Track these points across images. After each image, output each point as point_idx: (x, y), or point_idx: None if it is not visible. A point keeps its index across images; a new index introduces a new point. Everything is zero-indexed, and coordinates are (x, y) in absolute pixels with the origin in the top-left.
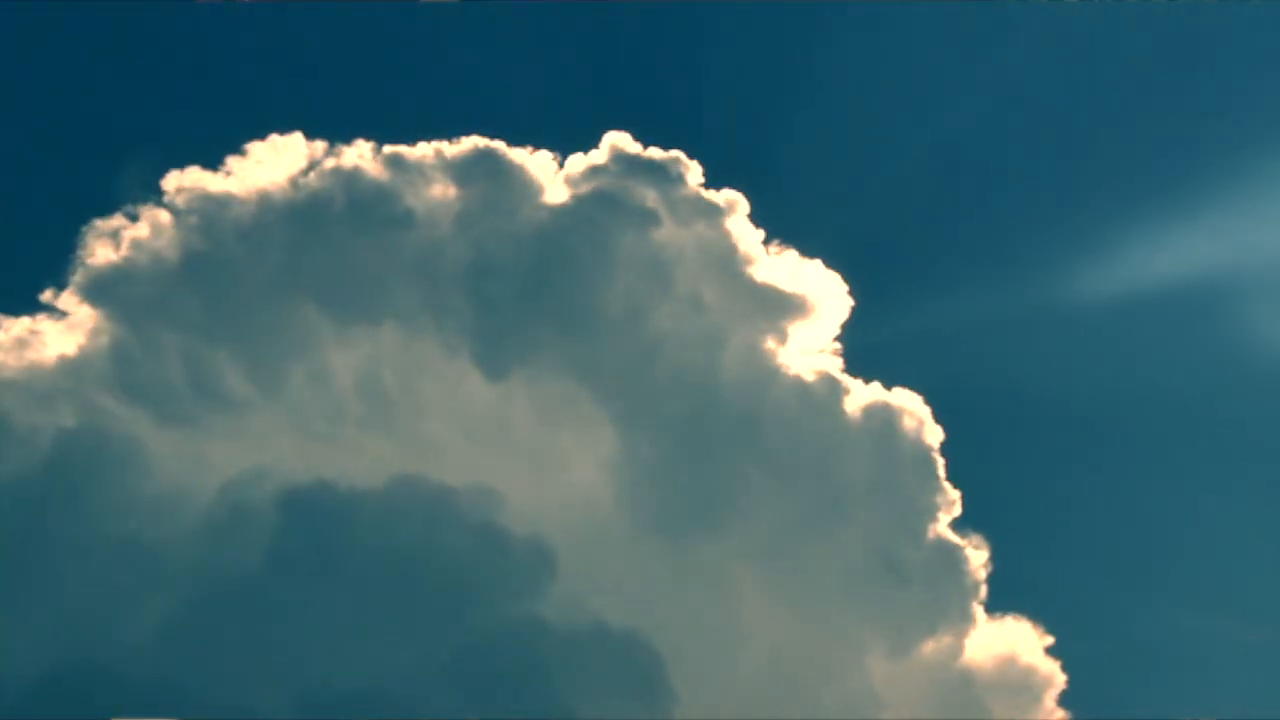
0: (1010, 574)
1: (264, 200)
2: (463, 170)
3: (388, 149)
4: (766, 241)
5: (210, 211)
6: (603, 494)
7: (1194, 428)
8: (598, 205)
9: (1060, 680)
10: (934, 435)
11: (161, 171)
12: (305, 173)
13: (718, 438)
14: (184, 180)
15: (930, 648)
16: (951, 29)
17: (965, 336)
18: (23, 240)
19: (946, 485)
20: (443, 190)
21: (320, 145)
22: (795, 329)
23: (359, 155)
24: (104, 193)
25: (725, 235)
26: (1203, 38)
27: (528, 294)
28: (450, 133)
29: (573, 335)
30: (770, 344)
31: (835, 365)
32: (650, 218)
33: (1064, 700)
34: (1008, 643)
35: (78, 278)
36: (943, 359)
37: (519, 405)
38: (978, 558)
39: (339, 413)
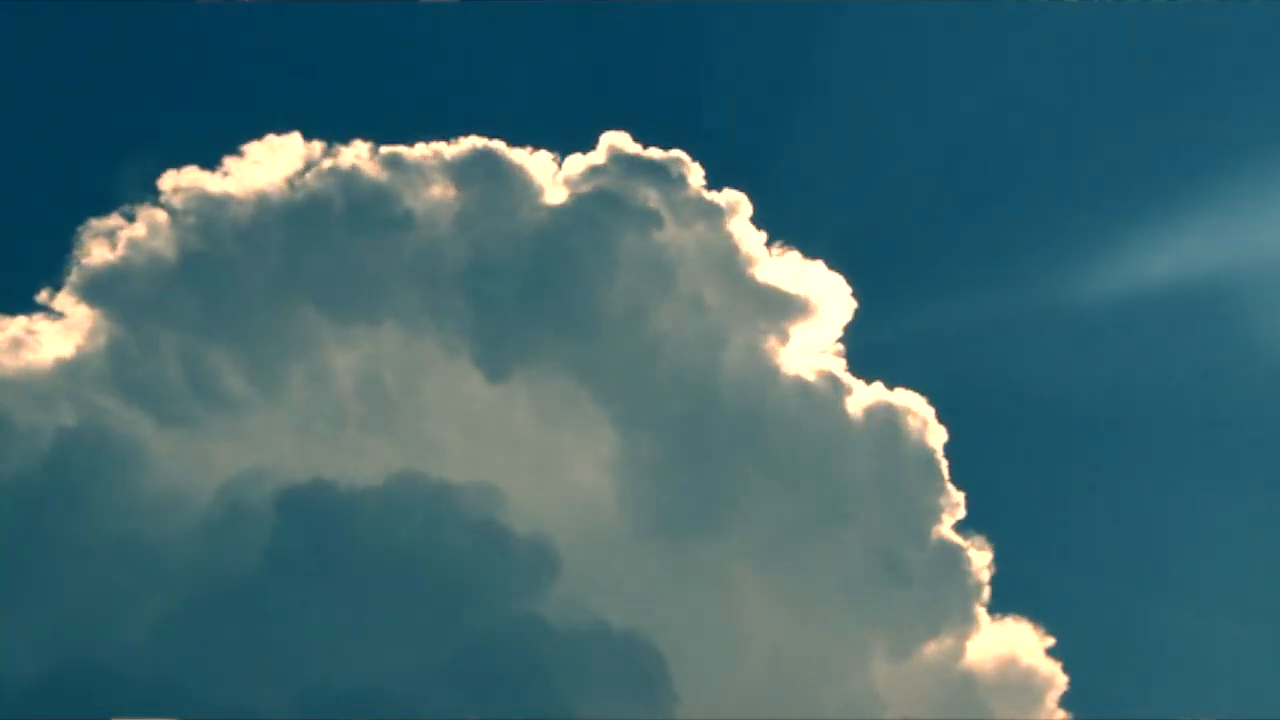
0: (1012, 575)
1: (261, 201)
2: (462, 170)
3: (386, 149)
4: (769, 243)
5: (207, 212)
6: (604, 495)
7: (1198, 429)
8: (598, 206)
9: (1061, 682)
10: (937, 436)
11: (158, 171)
12: (303, 173)
13: (720, 438)
14: (181, 180)
15: (932, 649)
16: (953, 29)
17: (968, 337)
18: (18, 240)
19: (950, 487)
20: (441, 190)
21: (318, 145)
22: (798, 330)
23: (357, 155)
24: (101, 192)
25: (727, 236)
26: (1205, 38)
27: (529, 294)
28: (449, 133)
29: (574, 336)
30: (773, 345)
31: (838, 366)
32: (651, 218)
33: (1065, 702)
34: (1009, 644)
35: (74, 278)
36: (946, 360)
37: (520, 406)
38: (980, 559)
39: (338, 413)
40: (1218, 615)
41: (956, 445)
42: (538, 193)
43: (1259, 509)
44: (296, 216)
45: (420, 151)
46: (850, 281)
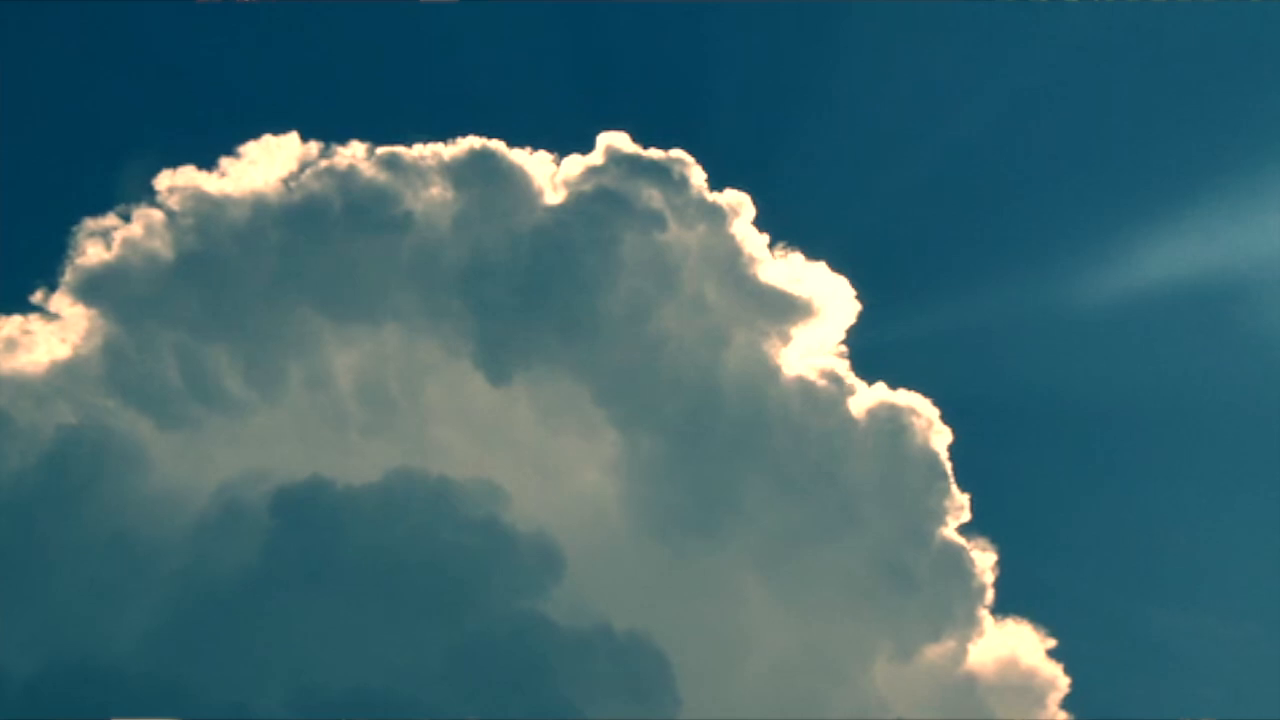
0: (1016, 578)
1: (258, 201)
2: (460, 171)
3: (383, 150)
4: (772, 244)
5: (204, 212)
6: (607, 496)
7: (1203, 432)
8: (599, 206)
9: (1063, 683)
10: (942, 438)
11: (155, 171)
12: (300, 173)
13: (723, 440)
14: (177, 180)
15: (934, 651)
16: (958, 30)
17: (973, 338)
18: (14, 239)
19: (954, 489)
20: (440, 191)
21: (315, 146)
22: (801, 332)
23: (354, 156)
24: (97, 192)
25: (729, 238)
26: (1206, 40)
27: (530, 295)
28: (447, 133)
29: (577, 337)
30: (776, 346)
31: (842, 367)
32: (653, 219)
33: (1067, 703)
34: (1010, 645)
35: (69, 278)
36: (950, 361)
37: (521, 408)
38: (985, 561)
39: (336, 414)
40: (1219, 618)
41: (961, 447)
42: (537, 193)
43: (1261, 512)
44: (293, 217)
45: (418, 152)
46: (854, 283)
